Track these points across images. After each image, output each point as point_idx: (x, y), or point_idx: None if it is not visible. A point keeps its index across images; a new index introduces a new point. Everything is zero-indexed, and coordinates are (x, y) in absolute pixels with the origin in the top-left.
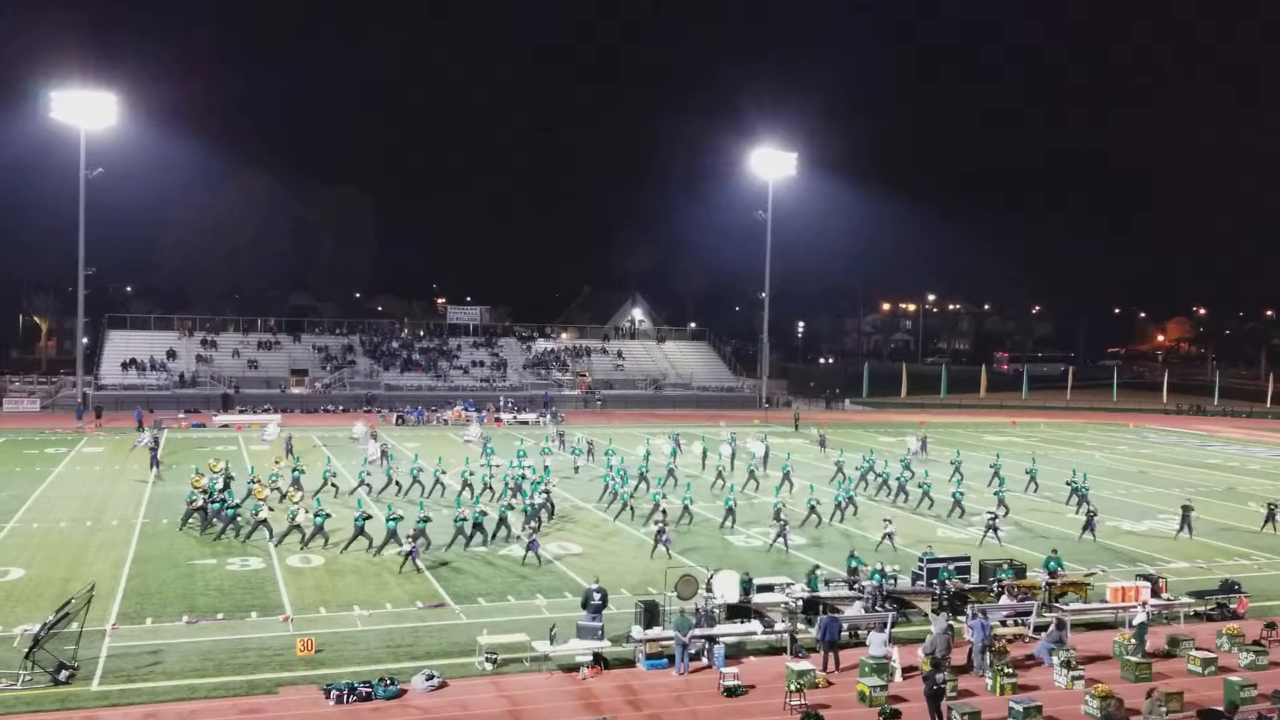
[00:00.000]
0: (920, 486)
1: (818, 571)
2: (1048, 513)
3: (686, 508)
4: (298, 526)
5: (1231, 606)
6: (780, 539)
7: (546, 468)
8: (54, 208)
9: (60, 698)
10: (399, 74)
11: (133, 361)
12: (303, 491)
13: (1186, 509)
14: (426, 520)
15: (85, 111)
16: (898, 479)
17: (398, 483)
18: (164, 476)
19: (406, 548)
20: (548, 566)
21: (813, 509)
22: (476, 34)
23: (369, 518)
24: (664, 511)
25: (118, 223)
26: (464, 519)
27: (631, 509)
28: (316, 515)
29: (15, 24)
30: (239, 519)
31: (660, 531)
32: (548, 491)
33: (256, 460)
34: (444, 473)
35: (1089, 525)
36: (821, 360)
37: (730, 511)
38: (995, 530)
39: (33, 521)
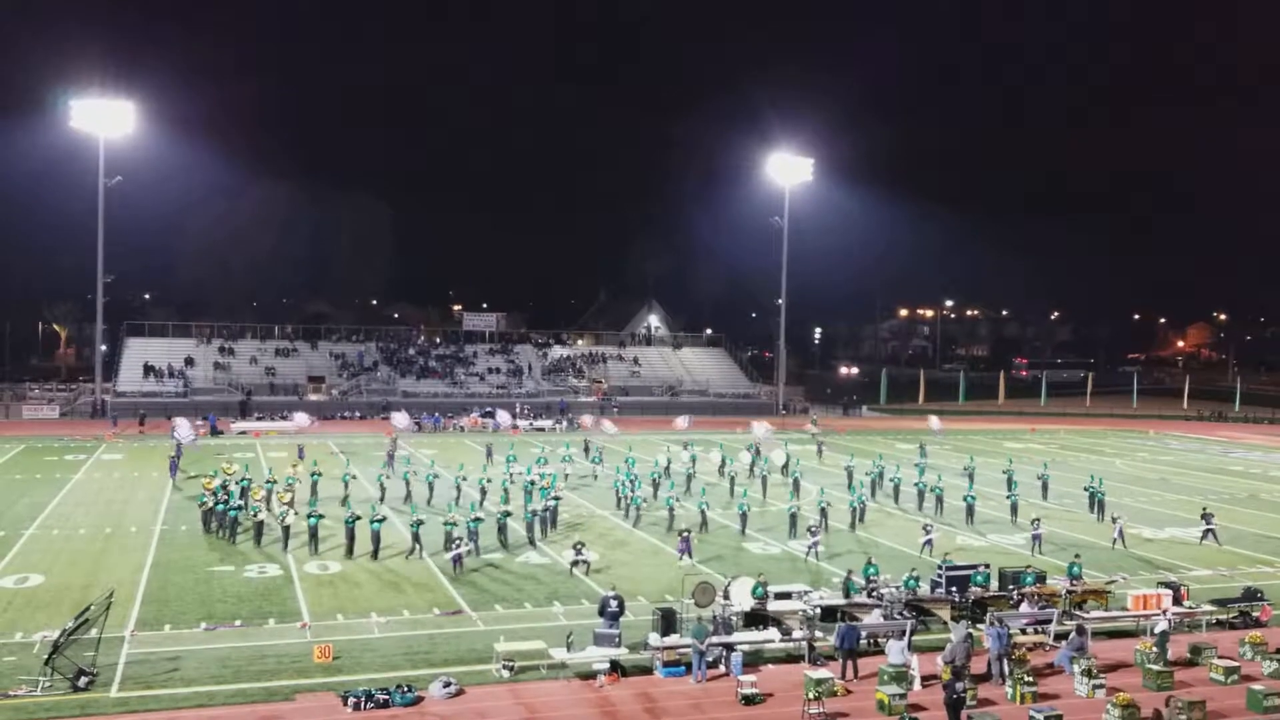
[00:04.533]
0: (933, 490)
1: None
2: (1063, 519)
3: (704, 513)
4: (287, 529)
5: (1254, 614)
6: (813, 550)
7: (553, 475)
8: (73, 216)
9: (80, 704)
10: (416, 82)
11: (151, 368)
12: (293, 494)
13: (1206, 515)
14: (420, 523)
15: (104, 120)
16: (915, 485)
17: (425, 487)
18: (180, 487)
19: (454, 551)
20: (564, 574)
21: (824, 512)
22: (493, 41)
23: (422, 523)
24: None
25: (136, 231)
26: (453, 523)
27: (638, 514)
28: (310, 517)
29: (36, 33)
30: (240, 522)
31: (685, 539)
32: (557, 499)
33: (272, 465)
34: (464, 479)
35: (1119, 534)
36: (843, 370)
37: (743, 518)
38: (1038, 538)
39: (52, 528)
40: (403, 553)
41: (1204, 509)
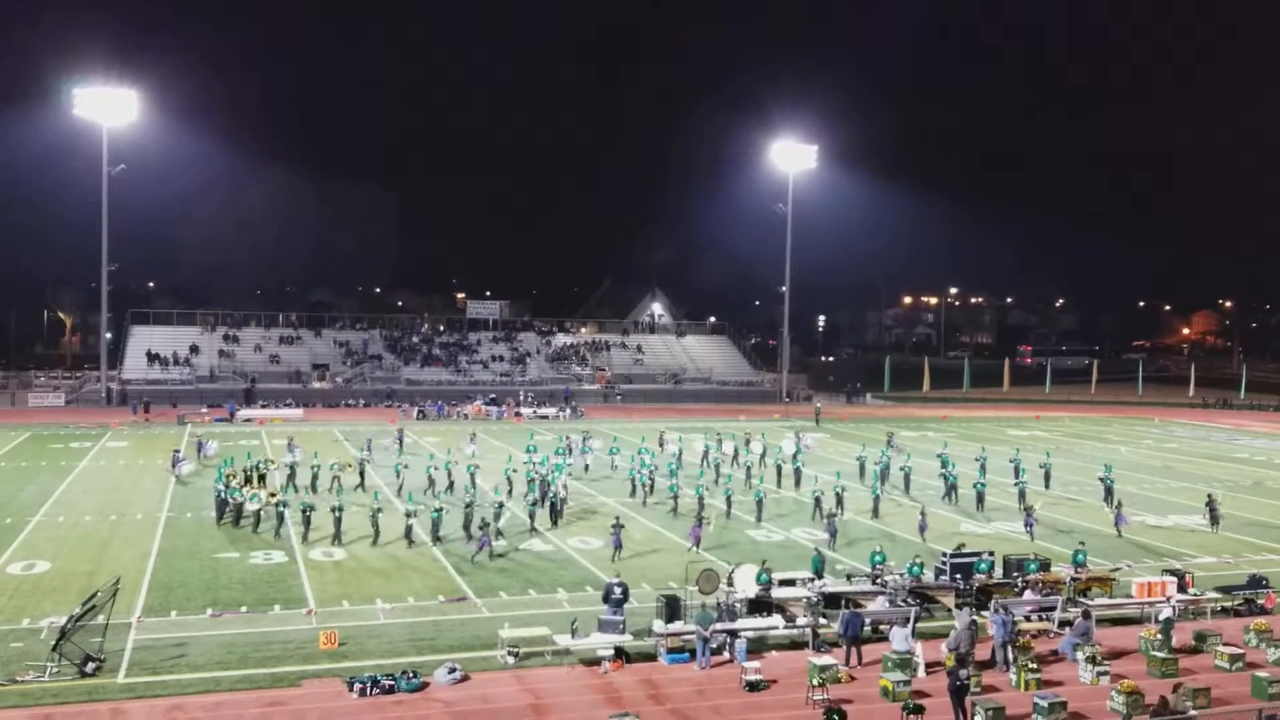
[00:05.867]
0: (948, 480)
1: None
2: (1068, 505)
3: (729, 501)
4: (256, 513)
5: (1259, 602)
6: (831, 540)
7: (558, 465)
8: (77, 204)
9: (87, 689)
10: (420, 71)
11: (156, 356)
12: (264, 483)
13: (1211, 501)
14: (379, 510)
15: (108, 108)
16: (941, 475)
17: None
18: (184, 481)
19: (476, 545)
20: (568, 561)
21: (839, 499)
22: (499, 29)
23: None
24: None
25: (140, 219)
26: (413, 512)
27: (675, 502)
28: (278, 504)
29: (39, 22)
30: (226, 504)
31: (699, 526)
32: (563, 488)
33: (255, 452)
34: (481, 468)
35: (1118, 520)
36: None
37: (759, 505)
38: (1030, 526)
39: (58, 515)
40: (414, 541)
41: (1213, 499)
